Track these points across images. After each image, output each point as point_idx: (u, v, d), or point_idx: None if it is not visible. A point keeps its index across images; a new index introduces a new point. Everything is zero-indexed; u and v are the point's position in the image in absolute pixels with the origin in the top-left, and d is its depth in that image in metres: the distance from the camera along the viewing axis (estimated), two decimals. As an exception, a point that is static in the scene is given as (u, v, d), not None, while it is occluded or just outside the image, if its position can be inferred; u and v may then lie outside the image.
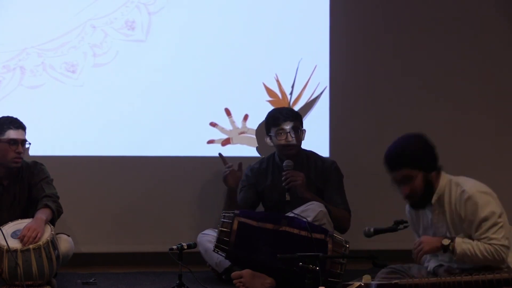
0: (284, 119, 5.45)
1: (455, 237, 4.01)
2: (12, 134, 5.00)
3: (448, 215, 4.05)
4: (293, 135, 5.43)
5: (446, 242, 3.99)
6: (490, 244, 3.92)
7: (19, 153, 5.02)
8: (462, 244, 3.97)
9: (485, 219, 3.94)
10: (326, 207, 5.28)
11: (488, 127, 6.54)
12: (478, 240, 3.95)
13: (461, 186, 4.02)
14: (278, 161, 5.57)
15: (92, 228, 6.09)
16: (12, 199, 5.10)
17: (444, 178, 4.08)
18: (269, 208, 5.60)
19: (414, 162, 4.03)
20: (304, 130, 5.53)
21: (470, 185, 4.02)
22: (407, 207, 4.29)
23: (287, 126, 5.44)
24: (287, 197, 5.37)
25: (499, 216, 3.95)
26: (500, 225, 3.93)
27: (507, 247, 3.94)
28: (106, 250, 6.13)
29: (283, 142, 5.44)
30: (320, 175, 5.52)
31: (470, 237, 4.00)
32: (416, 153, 4.04)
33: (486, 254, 3.91)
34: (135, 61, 6.16)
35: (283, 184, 5.35)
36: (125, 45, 6.16)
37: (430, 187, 4.05)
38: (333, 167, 5.56)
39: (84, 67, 6.10)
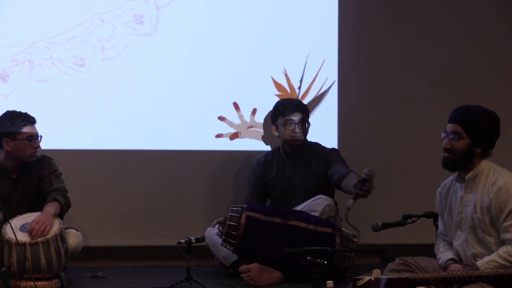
0: (293, 109, 5.46)
1: (476, 265, 3.98)
2: (29, 129, 5.02)
3: (478, 197, 4.03)
4: (300, 127, 5.44)
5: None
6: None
7: (36, 148, 5.04)
8: (485, 265, 3.94)
9: None
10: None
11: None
12: (504, 231, 3.93)
13: (499, 173, 4.01)
14: (282, 153, 5.57)
15: (101, 222, 6.10)
16: (21, 192, 5.10)
17: (487, 162, 4.06)
18: (274, 198, 5.61)
19: (470, 127, 4.03)
20: (309, 124, 5.53)
21: (508, 175, 4.01)
22: (439, 188, 4.28)
23: (296, 117, 5.45)
24: (351, 204, 4.63)
25: None
26: None
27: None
28: (115, 243, 6.14)
29: (289, 132, 5.44)
30: (320, 162, 5.50)
31: (494, 226, 3.97)
32: (478, 122, 4.03)
33: (510, 258, 3.90)
34: (144, 55, 6.16)
35: (359, 193, 4.71)
36: (134, 39, 6.16)
37: (469, 157, 4.03)
38: (332, 150, 5.55)
39: (92, 61, 6.10)
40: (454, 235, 4.15)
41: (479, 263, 3.92)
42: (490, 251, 3.97)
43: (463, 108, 4.14)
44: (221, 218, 5.19)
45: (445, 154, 4.09)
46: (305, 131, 5.50)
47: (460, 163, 4.05)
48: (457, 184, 4.14)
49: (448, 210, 4.18)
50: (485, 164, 4.05)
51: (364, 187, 4.69)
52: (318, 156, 5.53)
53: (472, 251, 4.02)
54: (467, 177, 4.06)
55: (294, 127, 5.45)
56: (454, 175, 4.18)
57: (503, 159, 4.25)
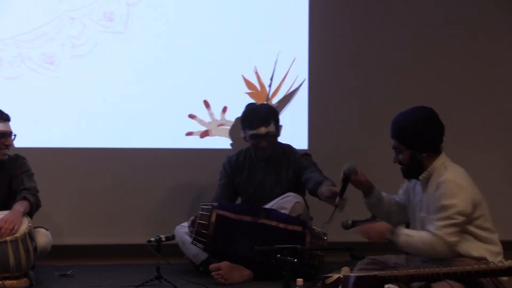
0: (259, 123, 5.36)
1: (400, 230, 4.01)
2: (1, 127, 4.97)
3: (428, 194, 4.05)
4: (266, 141, 5.39)
5: (389, 236, 4.01)
6: (434, 234, 3.92)
7: (7, 145, 5.00)
8: (403, 236, 3.99)
9: (443, 208, 3.92)
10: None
11: (476, 126, 6.61)
12: (429, 223, 3.97)
13: (446, 170, 4.02)
14: (254, 157, 5.55)
15: (70, 221, 6.08)
16: (-7, 191, 5.07)
17: (439, 160, 4.06)
18: (245, 200, 5.60)
19: (404, 139, 4.05)
20: (281, 126, 5.49)
21: (453, 172, 4.02)
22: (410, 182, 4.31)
23: (262, 131, 5.37)
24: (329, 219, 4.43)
25: (459, 213, 3.90)
26: (454, 221, 3.89)
27: (451, 245, 3.93)
28: (84, 242, 6.12)
29: (256, 146, 5.42)
30: (291, 168, 5.47)
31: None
32: (408, 132, 4.04)
33: (427, 243, 3.92)
34: (114, 53, 6.14)
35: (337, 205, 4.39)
36: (104, 36, 6.14)
37: (417, 164, 4.05)
38: (303, 155, 5.51)
39: (62, 58, 6.08)
40: None
41: (401, 232, 4.01)
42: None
43: (394, 120, 4.14)
44: (193, 217, 5.18)
45: (400, 167, 4.12)
46: (271, 144, 5.42)
47: (414, 171, 4.09)
48: (418, 184, 4.17)
49: (411, 209, 4.20)
50: (437, 163, 4.06)
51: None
52: (289, 161, 5.49)
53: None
54: (421, 178, 4.09)
55: (260, 142, 5.42)
56: None
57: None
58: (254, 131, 5.38)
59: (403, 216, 4.32)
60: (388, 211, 4.33)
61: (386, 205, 4.32)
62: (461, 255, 3.95)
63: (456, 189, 3.95)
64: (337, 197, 4.31)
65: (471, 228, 3.98)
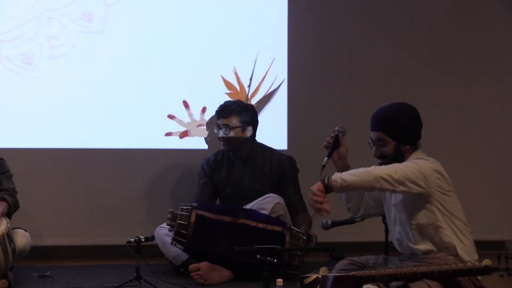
0: (219, 115, 5.44)
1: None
2: None
3: None
4: (224, 133, 5.41)
5: (325, 180, 3.93)
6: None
7: None
8: (340, 174, 3.94)
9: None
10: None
11: (449, 124, 6.65)
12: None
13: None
14: (232, 155, 5.56)
15: (50, 222, 6.06)
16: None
17: (415, 155, 4.09)
18: (224, 200, 5.60)
19: (391, 130, 4.06)
20: (250, 127, 5.46)
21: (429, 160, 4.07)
22: None
23: (221, 122, 5.42)
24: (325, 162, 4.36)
25: (418, 170, 3.91)
26: (406, 169, 3.90)
27: (397, 172, 3.89)
28: (64, 243, 6.10)
29: (219, 136, 5.45)
30: (276, 169, 5.50)
31: (417, 202, 4.02)
32: (397, 123, 4.07)
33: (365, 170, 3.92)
34: (93, 53, 6.13)
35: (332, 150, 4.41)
36: (82, 36, 6.12)
37: (399, 157, 4.08)
38: (290, 163, 5.55)
39: (40, 58, 6.05)
40: (392, 230, 4.19)
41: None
42: (428, 234, 4.01)
43: (379, 113, 4.17)
44: (170, 214, 5.13)
45: (378, 161, 4.13)
46: (230, 138, 5.43)
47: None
48: None
49: (387, 202, 4.21)
50: (413, 157, 4.09)
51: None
52: (272, 159, 5.51)
53: (414, 242, 4.05)
54: None
55: (218, 132, 5.45)
56: None
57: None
58: (217, 121, 5.45)
59: (376, 207, 4.33)
60: (360, 196, 4.33)
61: (358, 191, 4.32)
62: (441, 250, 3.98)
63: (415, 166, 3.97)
64: (325, 158, 4.28)
65: (457, 222, 4.01)
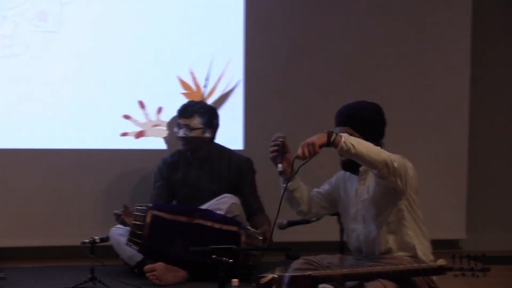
0: (182, 114, 5.48)
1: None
2: None
3: (370, 184, 4.08)
4: (183, 133, 5.43)
5: (332, 136, 3.81)
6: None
7: None
8: (350, 138, 3.83)
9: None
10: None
11: (411, 121, 6.72)
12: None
13: None
14: (189, 156, 5.56)
15: (2, 222, 5.99)
16: None
17: None
18: (181, 201, 5.59)
19: (359, 126, 4.05)
20: (211, 129, 5.49)
21: None
22: (338, 174, 4.30)
23: (181, 122, 5.46)
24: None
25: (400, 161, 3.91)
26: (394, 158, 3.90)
27: (396, 162, 3.85)
28: (17, 244, 6.03)
29: (179, 135, 5.45)
30: (234, 171, 5.53)
31: (382, 203, 4.03)
32: (364, 118, 4.06)
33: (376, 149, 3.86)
34: (47, 53, 6.07)
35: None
36: (37, 36, 6.06)
37: None
38: (248, 165, 5.58)
39: (-6, 58, 5.99)
40: (350, 229, 4.18)
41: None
42: (392, 232, 4.03)
43: (346, 108, 4.15)
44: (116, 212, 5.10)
45: (342, 159, 4.12)
46: (188, 138, 5.45)
47: (356, 162, 3.98)
48: (353, 176, 4.19)
49: (345, 200, 4.22)
50: None
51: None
52: (230, 161, 5.53)
53: (377, 240, 4.06)
54: (361, 169, 4.11)
55: (179, 132, 5.46)
56: None
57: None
58: (177, 121, 5.47)
59: (329, 208, 4.33)
60: (310, 198, 4.28)
61: (307, 191, 4.29)
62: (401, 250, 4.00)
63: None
64: (278, 165, 4.11)
65: (420, 223, 4.04)
